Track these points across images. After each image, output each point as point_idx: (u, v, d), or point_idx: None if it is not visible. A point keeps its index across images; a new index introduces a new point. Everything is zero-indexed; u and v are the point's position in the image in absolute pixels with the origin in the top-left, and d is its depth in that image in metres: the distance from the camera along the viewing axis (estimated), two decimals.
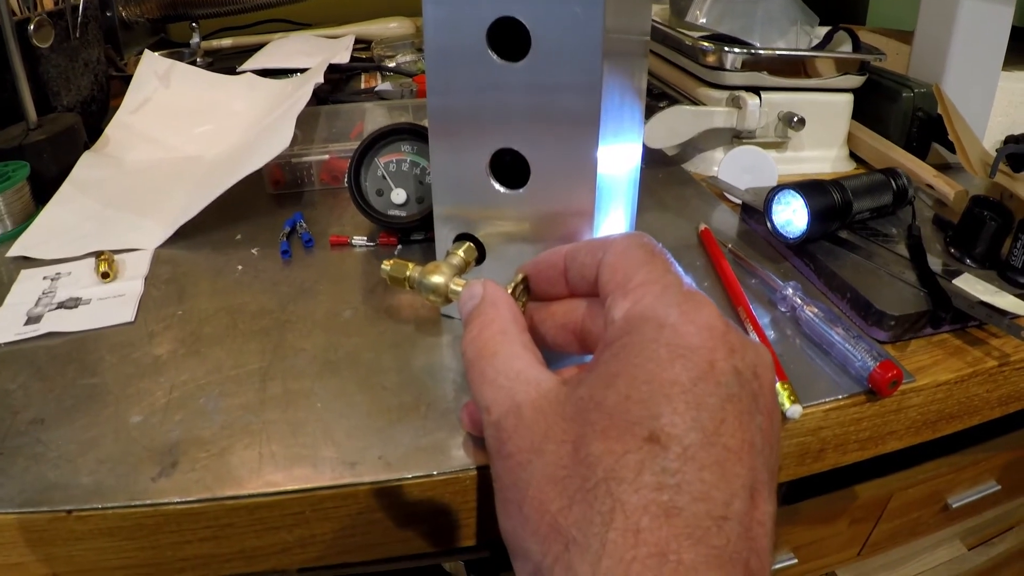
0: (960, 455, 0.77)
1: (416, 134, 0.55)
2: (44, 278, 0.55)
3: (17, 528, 0.35)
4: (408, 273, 0.40)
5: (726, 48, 0.69)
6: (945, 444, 0.75)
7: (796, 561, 0.73)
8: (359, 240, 0.57)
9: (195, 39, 1.11)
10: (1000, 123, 0.82)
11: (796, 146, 0.75)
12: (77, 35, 0.79)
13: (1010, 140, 0.79)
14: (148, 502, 0.35)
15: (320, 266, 0.55)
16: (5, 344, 0.47)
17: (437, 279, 0.38)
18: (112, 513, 0.35)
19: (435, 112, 0.41)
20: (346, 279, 0.53)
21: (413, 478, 0.36)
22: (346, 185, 0.55)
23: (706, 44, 0.70)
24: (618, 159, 0.42)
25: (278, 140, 0.60)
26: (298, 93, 0.73)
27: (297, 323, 0.48)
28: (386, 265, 0.41)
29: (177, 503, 0.35)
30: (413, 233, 0.57)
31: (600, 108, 0.37)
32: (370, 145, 0.55)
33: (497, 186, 0.41)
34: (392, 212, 0.55)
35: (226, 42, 1.18)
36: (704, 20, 0.76)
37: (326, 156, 0.67)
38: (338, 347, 0.45)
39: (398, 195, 0.55)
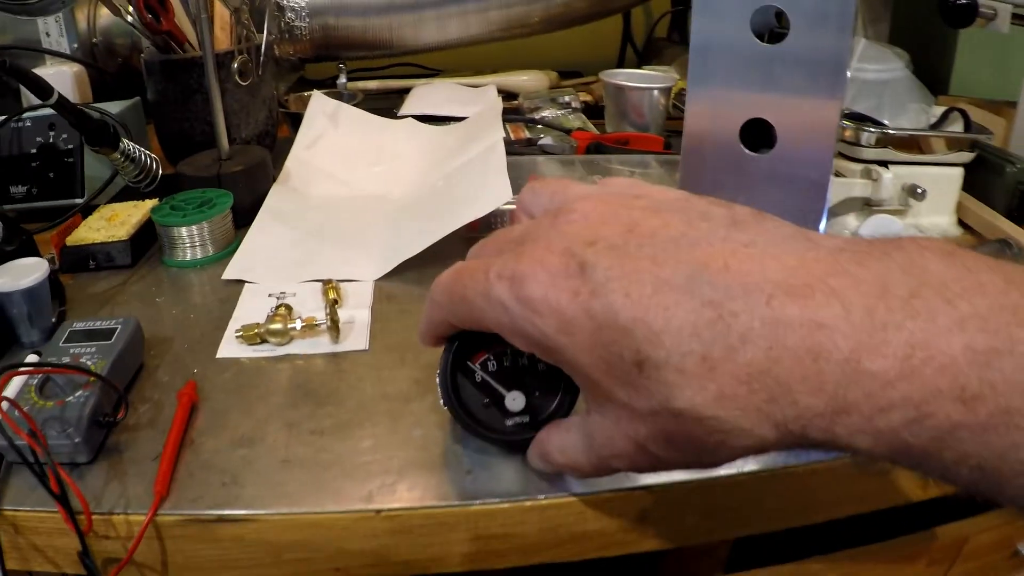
0: None
1: None
2: (269, 295, 0.61)
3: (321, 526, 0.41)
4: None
5: (862, 127, 0.77)
6: None
7: None
8: None
9: (342, 79, 1.15)
10: None
11: (914, 214, 0.82)
12: (259, 73, 0.85)
13: None
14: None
15: None
16: (264, 359, 0.54)
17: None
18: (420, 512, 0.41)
19: (685, 183, 0.49)
20: None
21: None
22: None
23: (845, 122, 0.78)
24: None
25: (499, 193, 0.66)
26: (488, 144, 0.77)
27: None
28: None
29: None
30: None
31: (828, 192, 0.45)
32: None
33: None
34: None
35: (372, 84, 1.23)
36: None
37: (515, 205, 0.74)
38: None
39: None
